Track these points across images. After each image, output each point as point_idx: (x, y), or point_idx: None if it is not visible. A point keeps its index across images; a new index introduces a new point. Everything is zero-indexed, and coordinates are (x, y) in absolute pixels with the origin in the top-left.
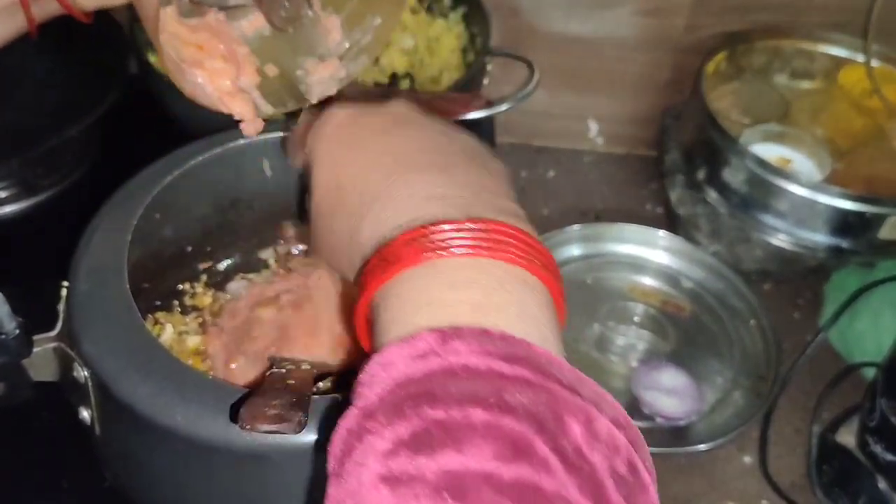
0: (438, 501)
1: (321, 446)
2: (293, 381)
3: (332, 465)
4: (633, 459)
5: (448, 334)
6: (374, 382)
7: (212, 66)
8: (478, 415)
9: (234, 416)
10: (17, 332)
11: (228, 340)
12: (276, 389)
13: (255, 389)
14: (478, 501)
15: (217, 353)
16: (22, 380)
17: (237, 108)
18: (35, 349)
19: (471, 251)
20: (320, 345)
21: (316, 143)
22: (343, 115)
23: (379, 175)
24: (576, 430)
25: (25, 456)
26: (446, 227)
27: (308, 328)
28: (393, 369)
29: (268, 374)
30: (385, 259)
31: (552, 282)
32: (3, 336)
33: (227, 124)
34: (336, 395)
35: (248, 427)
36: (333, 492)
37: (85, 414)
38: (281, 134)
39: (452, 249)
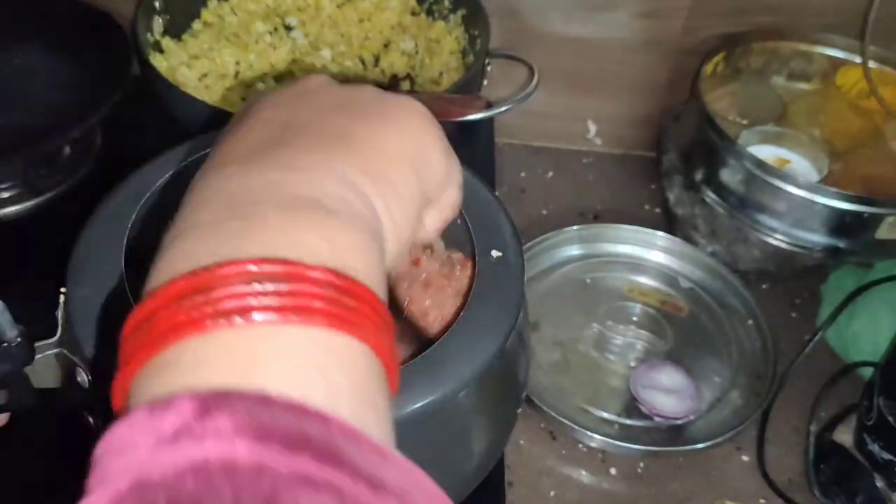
0: None
1: None
2: None
3: None
4: None
5: (210, 402)
6: (108, 477)
7: None
8: None
9: None
10: (19, 339)
11: None
12: None
13: None
14: None
15: None
16: (25, 387)
17: None
18: (37, 356)
19: (274, 316)
20: None
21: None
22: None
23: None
24: None
25: (29, 463)
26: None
27: None
28: (132, 456)
29: None
30: (157, 319)
31: (384, 346)
32: (5, 344)
33: (225, 123)
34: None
35: None
36: None
37: (88, 419)
38: None
39: (252, 314)
